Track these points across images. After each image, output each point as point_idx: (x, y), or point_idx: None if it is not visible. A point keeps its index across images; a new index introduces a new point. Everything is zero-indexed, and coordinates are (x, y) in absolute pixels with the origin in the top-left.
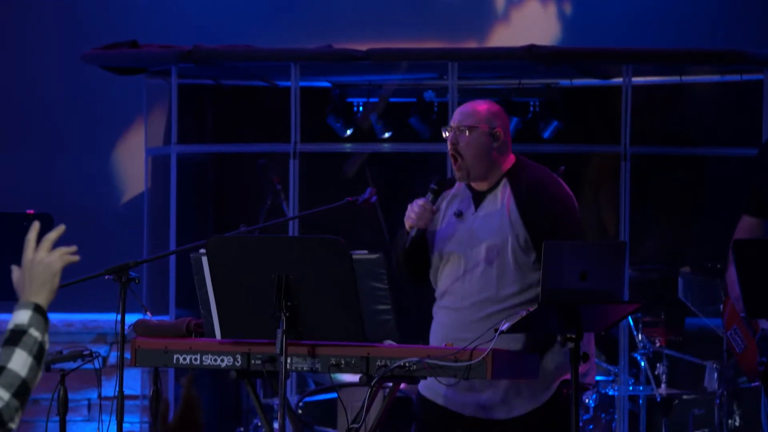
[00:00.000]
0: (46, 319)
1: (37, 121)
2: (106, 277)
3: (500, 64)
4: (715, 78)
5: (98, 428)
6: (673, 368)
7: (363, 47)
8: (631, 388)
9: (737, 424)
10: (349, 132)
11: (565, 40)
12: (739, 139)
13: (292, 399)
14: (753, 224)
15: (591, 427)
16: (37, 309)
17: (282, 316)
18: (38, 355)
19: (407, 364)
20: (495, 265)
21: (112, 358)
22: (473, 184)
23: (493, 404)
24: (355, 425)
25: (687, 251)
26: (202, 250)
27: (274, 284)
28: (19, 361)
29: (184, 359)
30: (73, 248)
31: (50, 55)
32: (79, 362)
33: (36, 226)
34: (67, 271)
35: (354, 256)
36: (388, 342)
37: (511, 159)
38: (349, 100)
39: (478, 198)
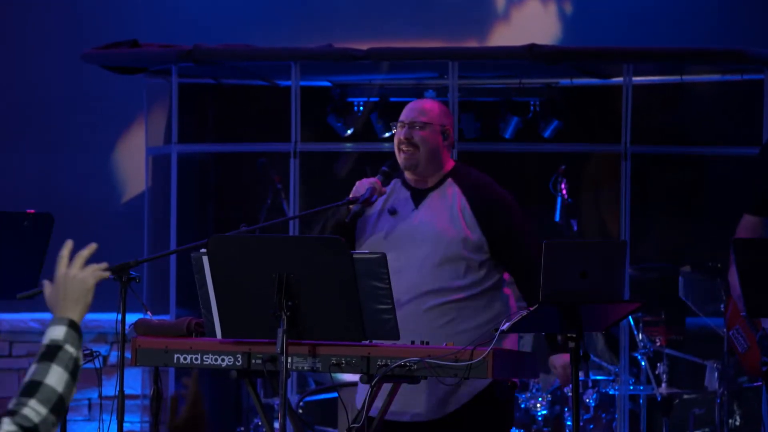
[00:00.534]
0: (80, 335)
1: (37, 120)
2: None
3: (501, 64)
4: (716, 78)
5: (99, 428)
6: (673, 368)
7: (363, 47)
8: (631, 387)
9: (738, 423)
10: (349, 132)
11: (565, 40)
12: (739, 139)
13: (293, 398)
14: (754, 223)
15: (591, 426)
16: (72, 325)
17: (282, 315)
18: (74, 370)
19: (408, 364)
20: (439, 260)
21: (113, 358)
22: (413, 182)
23: (428, 407)
24: (355, 425)
25: (687, 250)
26: (203, 250)
27: (275, 284)
28: (56, 377)
29: (185, 359)
30: (104, 265)
31: (50, 54)
32: None
33: (69, 244)
34: None
35: (354, 256)
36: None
37: (451, 162)
38: (350, 99)
39: (419, 195)
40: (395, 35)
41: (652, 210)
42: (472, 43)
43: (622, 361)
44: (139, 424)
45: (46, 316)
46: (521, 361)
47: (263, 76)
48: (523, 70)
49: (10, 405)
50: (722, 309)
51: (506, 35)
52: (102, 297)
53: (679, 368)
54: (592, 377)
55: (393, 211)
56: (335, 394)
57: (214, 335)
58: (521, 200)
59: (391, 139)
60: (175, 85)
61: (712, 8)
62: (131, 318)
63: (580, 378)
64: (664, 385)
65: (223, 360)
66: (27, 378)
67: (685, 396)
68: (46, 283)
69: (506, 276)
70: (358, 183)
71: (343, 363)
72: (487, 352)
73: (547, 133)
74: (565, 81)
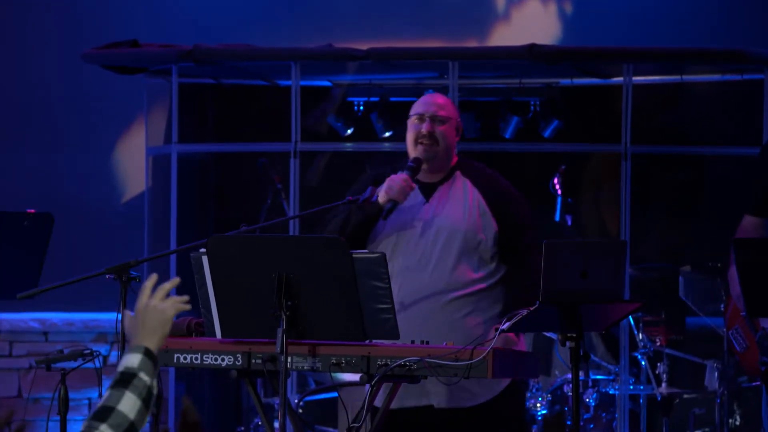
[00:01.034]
0: (156, 364)
1: (37, 120)
2: (107, 276)
3: (501, 64)
4: (716, 77)
5: None
6: (673, 367)
7: (363, 46)
8: (631, 387)
9: (738, 423)
10: (349, 131)
11: (565, 40)
12: (739, 139)
13: (293, 398)
14: (754, 224)
15: (591, 426)
16: (148, 353)
17: (282, 315)
18: (147, 398)
19: (408, 364)
20: (456, 254)
21: (113, 358)
22: (422, 176)
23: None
24: (355, 425)
25: (687, 250)
26: (203, 250)
27: (275, 283)
28: (129, 404)
29: (185, 358)
30: (185, 298)
31: (50, 54)
32: (79, 361)
33: (154, 277)
34: (68, 270)
35: (354, 255)
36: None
37: (455, 156)
38: (350, 99)
39: (428, 189)
40: (395, 35)
41: (652, 210)
42: (472, 43)
43: (622, 361)
44: None
45: (46, 316)
46: (521, 360)
47: (263, 76)
48: (523, 70)
49: (82, 427)
50: (722, 309)
51: (506, 35)
52: (102, 297)
53: (679, 368)
54: (592, 377)
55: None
56: (335, 394)
57: (214, 335)
58: None
59: (390, 139)
60: (175, 85)
61: (712, 8)
62: None
63: (580, 378)
64: (664, 384)
65: (223, 360)
66: (100, 403)
67: (685, 396)
68: (127, 314)
69: None
70: (389, 179)
71: (343, 363)
72: (486, 352)
73: (547, 133)
74: (565, 81)
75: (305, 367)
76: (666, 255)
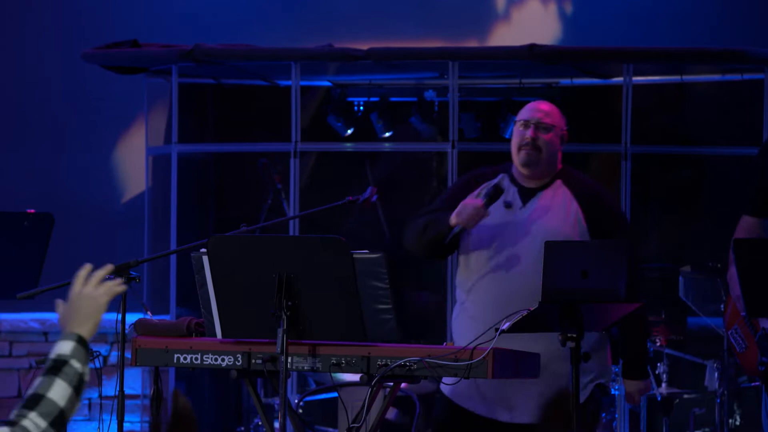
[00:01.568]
0: (88, 351)
1: (37, 120)
2: (107, 277)
3: (501, 64)
4: (716, 77)
5: (99, 427)
6: (673, 367)
7: (363, 46)
8: None
9: (738, 423)
10: (349, 131)
11: (565, 40)
12: (739, 139)
13: (293, 398)
14: (753, 224)
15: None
16: (80, 341)
17: (283, 315)
18: (78, 386)
19: (408, 364)
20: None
21: (113, 358)
22: (521, 180)
23: (525, 408)
24: (355, 425)
25: (687, 250)
26: (203, 249)
27: (275, 283)
28: (59, 391)
29: (185, 359)
30: (119, 280)
31: (51, 54)
32: None
33: (88, 266)
34: (68, 270)
35: (355, 256)
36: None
37: (559, 164)
38: (350, 99)
39: (527, 194)
40: (395, 35)
41: (653, 210)
42: (472, 43)
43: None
44: (139, 424)
45: (46, 316)
46: (522, 361)
47: (263, 76)
48: (523, 70)
49: (11, 415)
50: (722, 309)
51: (506, 35)
52: None
53: (679, 368)
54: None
55: (509, 205)
56: (335, 394)
57: (214, 335)
58: None
59: (390, 139)
60: (175, 85)
61: (712, 8)
62: (131, 318)
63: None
64: (664, 385)
65: (223, 360)
66: (30, 390)
67: (685, 396)
68: (59, 303)
69: None
70: (462, 204)
71: (343, 363)
72: (487, 352)
73: None
74: (565, 81)
75: (305, 368)
76: (666, 255)
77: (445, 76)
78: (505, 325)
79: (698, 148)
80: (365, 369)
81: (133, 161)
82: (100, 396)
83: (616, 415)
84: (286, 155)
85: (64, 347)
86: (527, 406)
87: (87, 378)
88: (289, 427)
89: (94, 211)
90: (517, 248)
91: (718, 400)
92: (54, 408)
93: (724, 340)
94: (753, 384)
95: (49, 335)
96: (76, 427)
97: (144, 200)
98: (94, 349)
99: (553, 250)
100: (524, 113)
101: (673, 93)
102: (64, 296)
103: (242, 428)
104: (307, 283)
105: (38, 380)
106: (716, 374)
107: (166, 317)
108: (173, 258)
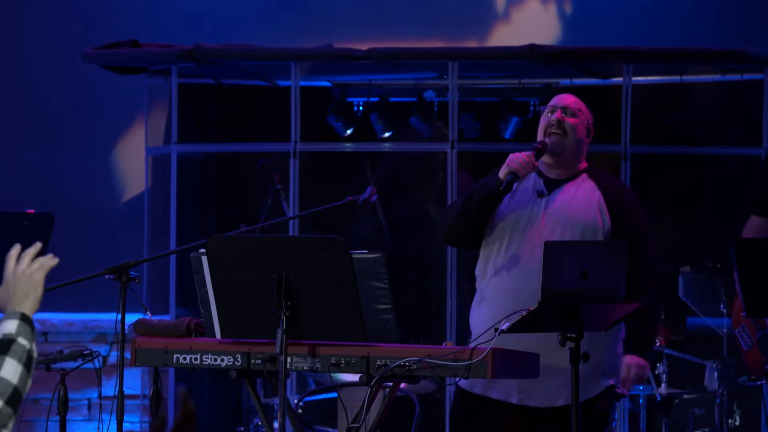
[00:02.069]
0: (32, 328)
1: (37, 120)
2: (107, 277)
3: (501, 64)
4: (716, 77)
5: (98, 428)
6: (673, 368)
7: (363, 47)
8: None
9: (737, 423)
10: (349, 131)
11: (565, 40)
12: (739, 139)
13: (293, 398)
14: (761, 224)
15: None
16: (24, 318)
17: (282, 315)
18: (27, 362)
19: (407, 364)
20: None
21: (113, 358)
22: (547, 171)
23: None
24: (355, 425)
25: (687, 250)
26: (202, 250)
27: (275, 284)
28: (10, 370)
29: (184, 359)
30: (50, 255)
31: (50, 54)
32: (79, 362)
33: (17, 247)
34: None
35: (354, 256)
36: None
37: (585, 162)
38: (350, 99)
39: (551, 185)
40: (395, 35)
41: (652, 210)
42: (472, 43)
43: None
44: (138, 424)
45: (46, 316)
46: (522, 361)
47: (263, 76)
48: (523, 70)
49: None
50: (722, 309)
51: (506, 35)
52: (102, 297)
53: (679, 368)
54: None
55: (541, 193)
56: (335, 395)
57: (214, 335)
58: None
59: (390, 139)
60: (175, 85)
61: (712, 8)
62: (131, 318)
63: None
64: (664, 385)
65: (222, 360)
66: None
67: (685, 396)
68: None
69: None
70: (512, 155)
71: (342, 363)
72: (486, 352)
73: None
74: (565, 81)
75: (305, 368)
76: (666, 255)
77: (445, 77)
78: (505, 325)
79: (698, 148)
80: (365, 369)
81: (133, 161)
82: (100, 396)
83: (616, 415)
84: (286, 155)
85: (9, 326)
86: (538, 387)
87: (35, 354)
88: (289, 428)
89: (94, 211)
90: (539, 236)
91: (718, 401)
92: (8, 386)
93: (723, 340)
94: (753, 384)
95: (49, 335)
96: (76, 427)
97: (144, 200)
98: (94, 349)
99: (553, 250)
100: (552, 101)
101: (673, 93)
102: (64, 296)
103: (242, 428)
104: (307, 284)
105: None
106: (716, 374)
107: (166, 317)
108: (173, 258)
